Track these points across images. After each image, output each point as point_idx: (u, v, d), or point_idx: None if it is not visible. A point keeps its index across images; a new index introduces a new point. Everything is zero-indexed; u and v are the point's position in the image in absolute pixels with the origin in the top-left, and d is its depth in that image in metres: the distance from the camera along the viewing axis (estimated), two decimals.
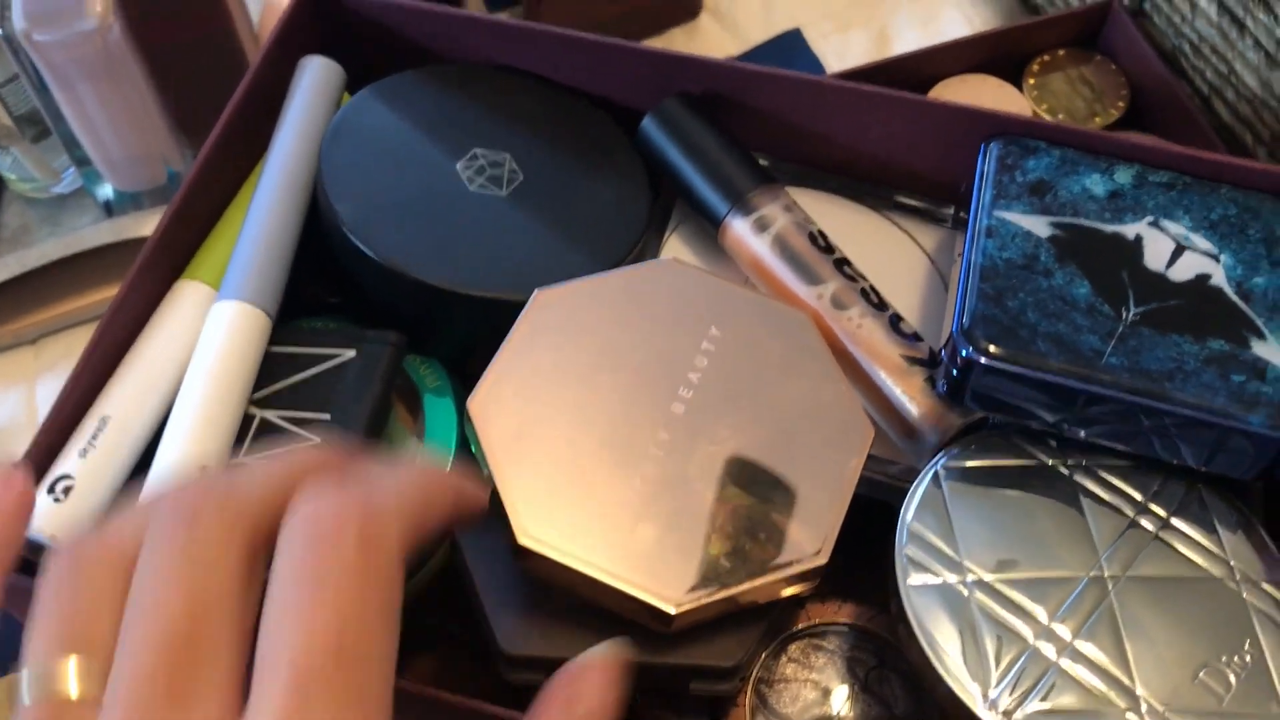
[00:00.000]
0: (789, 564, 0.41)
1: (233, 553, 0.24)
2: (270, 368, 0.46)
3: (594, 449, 0.42)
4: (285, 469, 0.26)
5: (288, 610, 0.23)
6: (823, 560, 0.41)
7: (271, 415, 0.45)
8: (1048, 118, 0.68)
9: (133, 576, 0.25)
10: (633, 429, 0.43)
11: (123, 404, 0.45)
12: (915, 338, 0.48)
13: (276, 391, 0.46)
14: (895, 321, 0.48)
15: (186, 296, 0.48)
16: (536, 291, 0.45)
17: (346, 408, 0.45)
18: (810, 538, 0.42)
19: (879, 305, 0.49)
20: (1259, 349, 0.45)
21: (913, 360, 0.47)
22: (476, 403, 0.42)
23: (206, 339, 0.45)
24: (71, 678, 0.24)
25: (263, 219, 0.48)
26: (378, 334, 0.47)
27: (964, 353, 0.44)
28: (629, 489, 0.41)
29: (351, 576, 0.23)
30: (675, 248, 0.54)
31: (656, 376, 0.44)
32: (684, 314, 0.46)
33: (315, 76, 0.53)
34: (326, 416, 0.45)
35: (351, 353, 0.47)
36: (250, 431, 0.45)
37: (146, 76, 0.61)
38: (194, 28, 0.61)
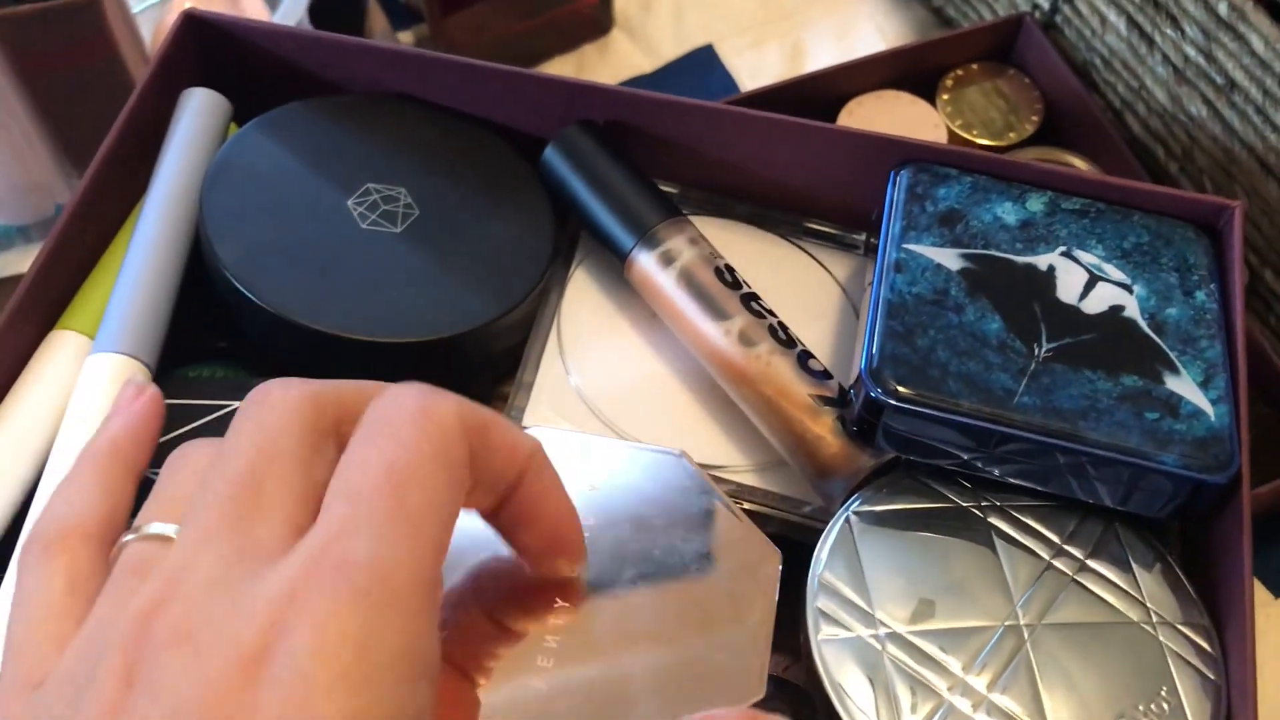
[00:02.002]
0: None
1: (299, 423, 0.26)
2: None
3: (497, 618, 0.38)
4: (369, 385, 0.28)
5: (353, 456, 0.25)
6: (761, 695, 0.38)
7: (150, 472, 0.43)
8: (961, 133, 0.67)
9: None
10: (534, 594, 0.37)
11: None
12: (825, 375, 0.47)
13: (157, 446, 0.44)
14: (804, 359, 0.47)
15: (61, 348, 0.45)
16: None
17: None
18: (742, 683, 0.38)
19: (788, 342, 0.47)
20: (1172, 384, 0.44)
21: (822, 399, 0.46)
22: None
23: (80, 396, 0.42)
24: (160, 528, 0.27)
25: (140, 264, 0.45)
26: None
27: (872, 394, 0.42)
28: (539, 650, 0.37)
29: (414, 433, 0.25)
30: (581, 282, 0.52)
31: None
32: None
33: (198, 110, 0.50)
34: None
35: (236, 404, 0.44)
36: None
37: (27, 106, 0.58)
38: (76, 57, 0.58)
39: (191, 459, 0.29)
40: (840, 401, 0.46)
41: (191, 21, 0.52)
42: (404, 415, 0.26)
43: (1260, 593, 0.60)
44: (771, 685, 0.45)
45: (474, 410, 0.27)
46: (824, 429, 0.45)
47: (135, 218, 0.49)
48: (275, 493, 0.25)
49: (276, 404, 0.26)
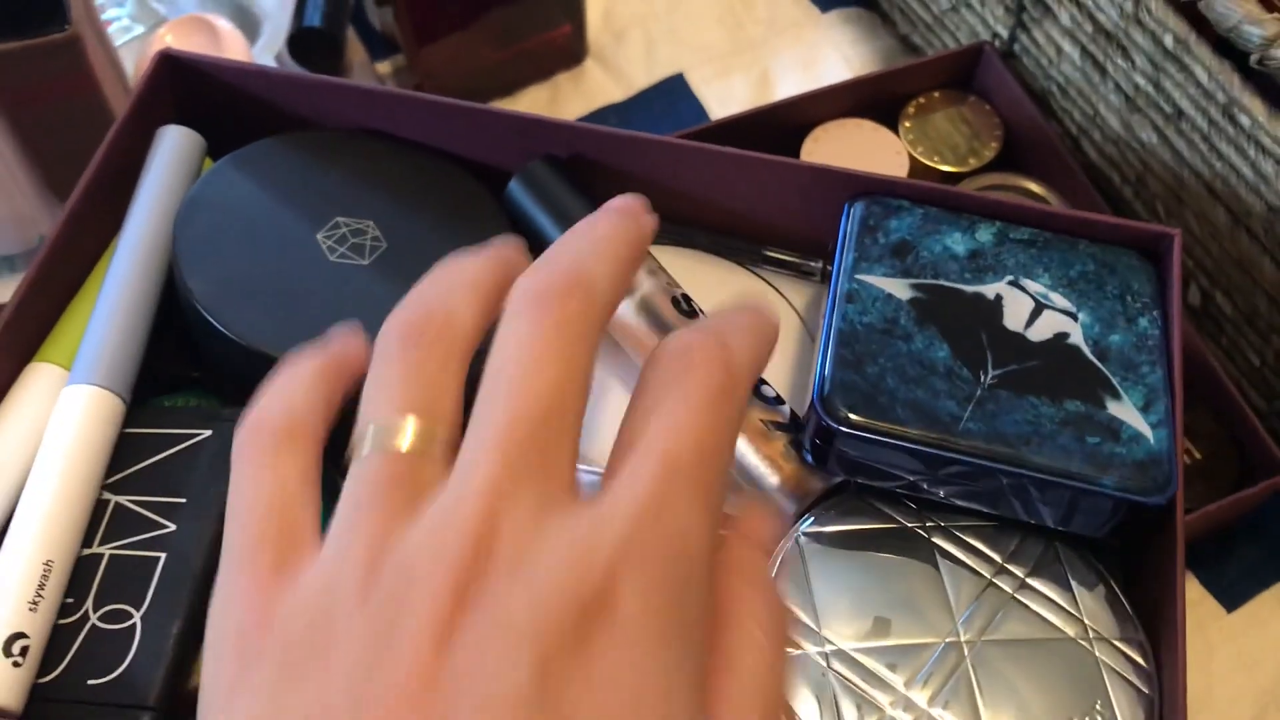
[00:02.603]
0: None
1: (594, 334, 0.26)
2: (125, 450, 0.46)
3: None
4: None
5: (662, 409, 0.25)
6: None
7: (125, 500, 0.45)
8: (923, 160, 0.69)
9: (469, 354, 0.27)
10: None
11: None
12: (777, 400, 0.48)
13: (131, 475, 0.45)
14: (757, 384, 0.48)
15: (38, 380, 0.47)
16: None
17: (204, 489, 0.45)
18: None
19: None
20: (1114, 409, 0.45)
21: (774, 424, 0.47)
22: None
23: (55, 427, 0.44)
24: (411, 433, 0.25)
25: (115, 298, 0.47)
26: (233, 412, 0.46)
27: (823, 421, 0.44)
28: None
29: (723, 398, 0.25)
30: None
31: None
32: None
33: (172, 146, 0.52)
34: (183, 500, 0.44)
35: (208, 432, 0.46)
36: (105, 518, 0.44)
37: (10, 139, 0.60)
38: (58, 91, 0.60)
39: (430, 346, 0.27)
40: (791, 426, 0.48)
41: (167, 60, 0.54)
42: (717, 379, 0.26)
43: (1213, 607, 0.62)
44: None
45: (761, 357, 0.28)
46: (775, 454, 0.47)
47: (112, 252, 0.50)
48: (571, 429, 0.25)
49: (576, 306, 0.26)
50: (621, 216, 0.29)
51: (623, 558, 0.23)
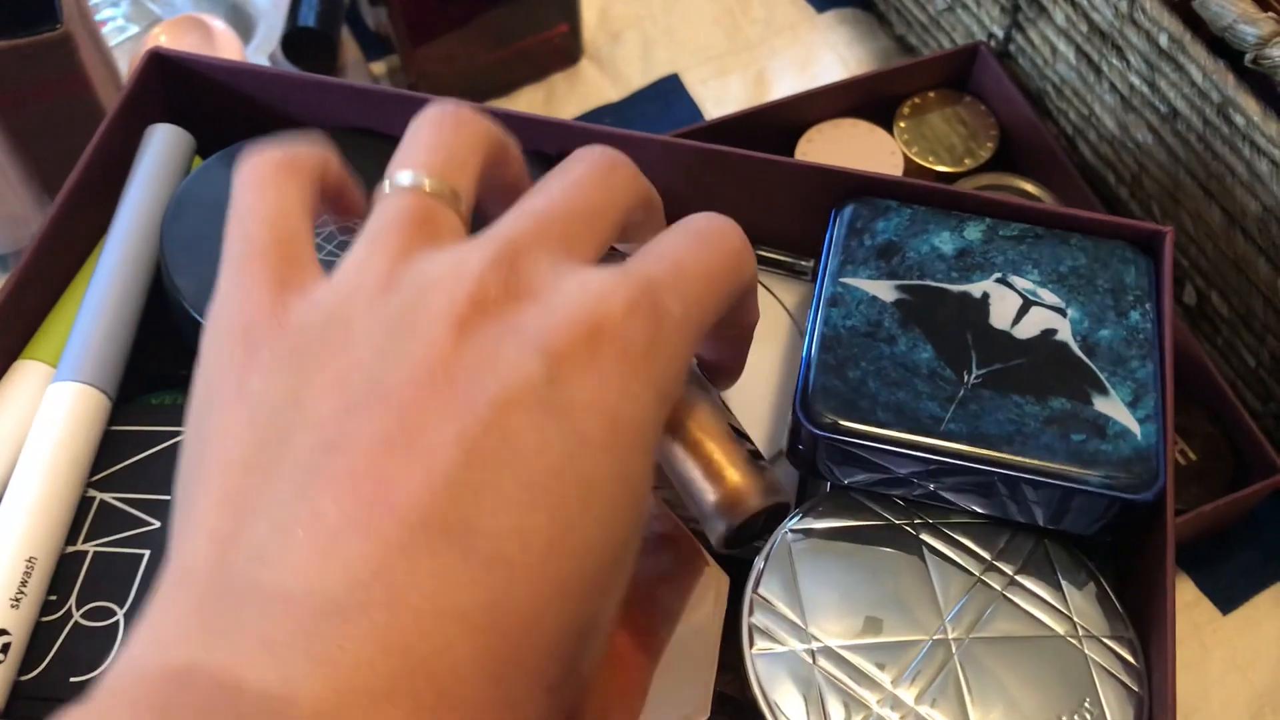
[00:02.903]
0: None
1: (627, 207, 0.31)
2: (111, 447, 0.46)
3: None
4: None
5: (677, 243, 0.30)
6: (706, 714, 0.40)
7: (110, 497, 0.45)
8: (918, 160, 0.69)
9: (490, 156, 0.30)
10: None
11: None
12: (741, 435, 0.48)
13: (116, 472, 0.45)
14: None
15: (25, 377, 0.47)
16: None
17: None
18: (689, 702, 0.40)
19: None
20: (1100, 405, 0.45)
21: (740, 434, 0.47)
22: None
23: (41, 424, 0.44)
24: (434, 180, 0.28)
25: (102, 295, 0.47)
26: None
27: (804, 427, 0.44)
28: None
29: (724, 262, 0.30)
30: None
31: None
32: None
33: (161, 145, 0.52)
34: (168, 497, 0.44)
35: None
36: (89, 515, 0.44)
37: (1, 139, 0.60)
38: (50, 91, 0.60)
39: (466, 134, 0.30)
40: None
41: (156, 59, 0.54)
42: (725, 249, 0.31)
43: (1208, 609, 0.61)
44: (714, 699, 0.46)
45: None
46: (732, 457, 0.46)
47: (99, 249, 0.50)
48: (604, 233, 0.29)
49: (627, 169, 0.31)
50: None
51: (634, 308, 0.25)
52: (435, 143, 0.29)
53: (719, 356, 0.38)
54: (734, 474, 0.38)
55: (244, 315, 0.26)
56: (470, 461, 0.22)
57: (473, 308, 0.24)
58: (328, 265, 0.26)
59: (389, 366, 0.23)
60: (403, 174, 0.28)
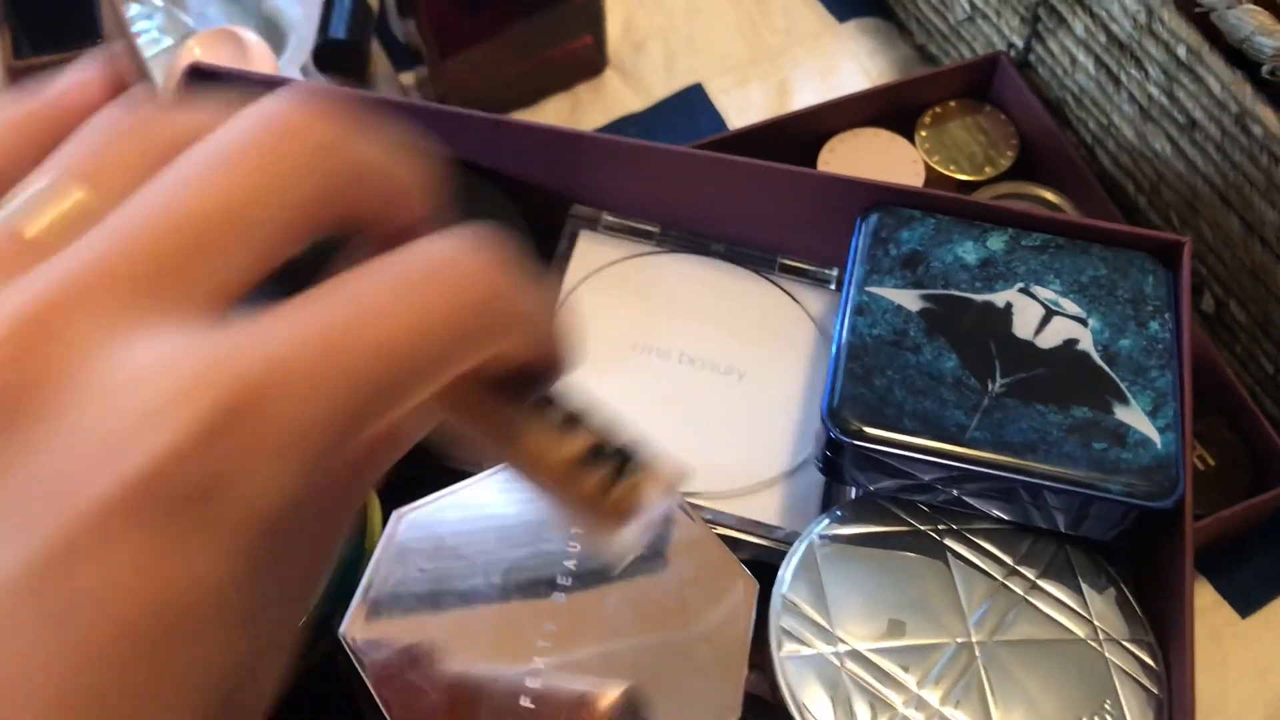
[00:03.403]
0: None
1: (317, 182, 0.20)
2: None
3: (482, 658, 0.41)
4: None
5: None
6: (737, 715, 0.41)
7: None
8: (939, 169, 0.70)
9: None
10: (517, 630, 0.42)
11: None
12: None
13: None
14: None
15: None
16: (395, 513, 0.44)
17: None
18: (720, 702, 0.42)
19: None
20: (1121, 414, 0.46)
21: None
22: (353, 631, 0.41)
23: None
24: (56, 209, 0.19)
25: None
26: None
27: (832, 434, 0.45)
28: (521, 689, 0.41)
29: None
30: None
31: (532, 573, 0.43)
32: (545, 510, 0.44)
33: None
34: None
35: None
36: None
37: None
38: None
39: (143, 127, 0.21)
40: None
41: (196, 73, 0.55)
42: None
43: (1227, 613, 0.62)
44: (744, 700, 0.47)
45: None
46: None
47: None
48: (250, 252, 0.19)
49: (297, 156, 0.20)
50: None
51: (208, 435, 0.17)
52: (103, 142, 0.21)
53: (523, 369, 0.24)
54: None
55: None
56: None
57: None
58: None
59: None
60: (24, 198, 0.20)
